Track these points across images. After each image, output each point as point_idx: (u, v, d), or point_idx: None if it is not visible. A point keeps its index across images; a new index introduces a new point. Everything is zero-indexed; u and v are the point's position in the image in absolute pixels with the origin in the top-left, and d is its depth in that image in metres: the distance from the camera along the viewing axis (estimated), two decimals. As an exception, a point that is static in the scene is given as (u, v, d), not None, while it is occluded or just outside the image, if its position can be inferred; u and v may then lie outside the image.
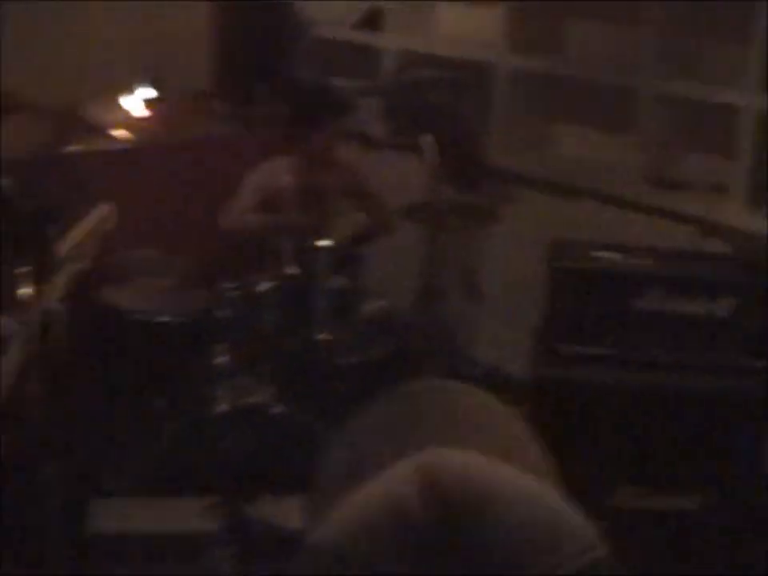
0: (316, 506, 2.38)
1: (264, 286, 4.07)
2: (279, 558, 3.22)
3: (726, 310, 3.76)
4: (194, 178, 4.98)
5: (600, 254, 3.97)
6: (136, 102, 5.18)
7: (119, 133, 4.98)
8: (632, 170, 4.69)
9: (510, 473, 2.08)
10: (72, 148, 4.76)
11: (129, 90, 5.16)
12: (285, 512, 3.33)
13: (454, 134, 4.61)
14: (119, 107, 5.13)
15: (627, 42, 4.73)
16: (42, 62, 4.86)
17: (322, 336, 4.04)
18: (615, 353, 3.87)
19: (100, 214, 3.03)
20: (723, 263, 4.06)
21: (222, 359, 4.01)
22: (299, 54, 5.52)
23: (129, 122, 5.07)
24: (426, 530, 1.94)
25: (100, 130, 4.86)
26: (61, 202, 3.14)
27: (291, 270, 4.06)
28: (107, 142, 4.94)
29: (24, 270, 2.86)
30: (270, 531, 3.26)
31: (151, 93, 5.20)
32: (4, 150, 4.01)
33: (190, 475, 3.68)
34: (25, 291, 2.86)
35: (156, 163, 4.89)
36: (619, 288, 3.86)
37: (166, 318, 4.20)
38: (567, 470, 3.69)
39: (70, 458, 3.22)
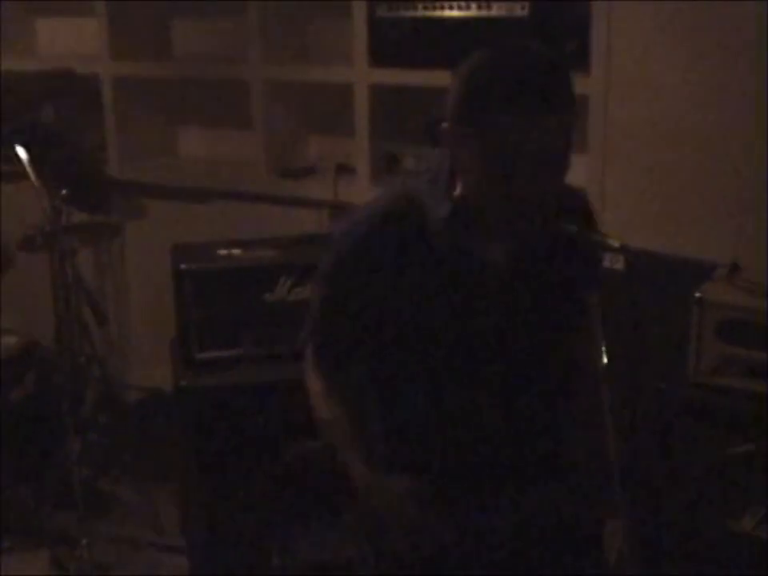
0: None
1: None
2: None
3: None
4: None
5: (224, 251, 3.84)
6: None
7: None
8: (256, 163, 4.56)
9: None
10: None
11: None
12: None
13: (65, 152, 4.36)
14: None
15: (230, 35, 4.61)
16: None
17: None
18: (253, 351, 3.75)
19: None
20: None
21: None
22: None
23: None
24: None
25: None
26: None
27: None
28: None
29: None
30: None
31: None
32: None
33: None
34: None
35: None
36: (247, 284, 3.73)
37: None
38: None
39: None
